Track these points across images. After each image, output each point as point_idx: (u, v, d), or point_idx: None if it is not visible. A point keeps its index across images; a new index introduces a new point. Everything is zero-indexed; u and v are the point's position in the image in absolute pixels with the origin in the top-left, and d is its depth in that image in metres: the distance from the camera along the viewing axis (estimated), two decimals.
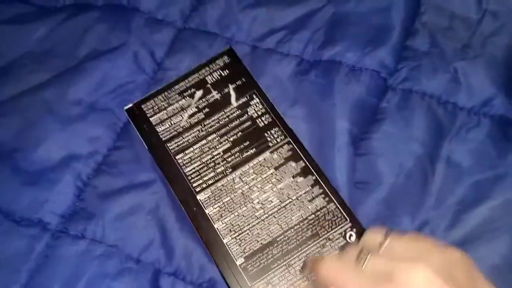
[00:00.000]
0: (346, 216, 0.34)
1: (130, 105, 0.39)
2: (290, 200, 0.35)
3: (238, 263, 0.34)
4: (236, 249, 0.34)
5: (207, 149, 0.37)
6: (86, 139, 0.39)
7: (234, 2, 0.44)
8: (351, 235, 0.34)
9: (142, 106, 0.39)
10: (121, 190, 0.37)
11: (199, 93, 0.39)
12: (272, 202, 0.35)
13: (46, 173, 0.38)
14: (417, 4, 0.44)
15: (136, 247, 0.36)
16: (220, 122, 0.38)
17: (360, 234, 0.33)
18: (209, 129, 0.38)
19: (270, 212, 0.35)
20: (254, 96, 0.39)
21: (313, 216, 0.35)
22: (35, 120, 0.40)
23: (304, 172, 0.36)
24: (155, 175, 0.38)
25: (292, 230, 0.34)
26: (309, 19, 0.43)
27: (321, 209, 0.35)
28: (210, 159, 0.37)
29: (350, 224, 0.34)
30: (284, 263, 0.33)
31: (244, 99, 0.39)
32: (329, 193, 0.35)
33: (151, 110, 0.39)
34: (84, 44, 0.43)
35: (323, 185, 0.35)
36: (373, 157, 0.38)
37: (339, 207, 0.35)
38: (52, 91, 0.41)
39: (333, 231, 0.34)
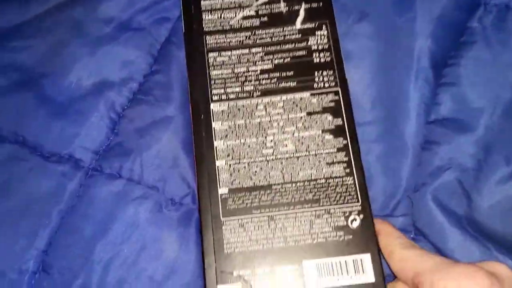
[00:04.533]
0: (359, 197, 0.29)
1: None
2: (307, 153, 0.30)
3: (220, 192, 0.29)
4: (225, 177, 0.29)
5: (245, 60, 0.32)
6: (119, 63, 0.34)
7: None
8: (354, 219, 0.28)
9: None
10: (160, 122, 0.33)
11: None
12: (286, 146, 0.30)
13: (76, 102, 0.33)
14: None
15: (179, 189, 0.31)
16: (273, 39, 0.32)
17: (365, 223, 0.28)
18: (258, 41, 0.32)
19: (279, 156, 0.30)
20: (324, 27, 0.33)
21: (323, 181, 0.29)
22: (63, 42, 0.35)
23: (337, 132, 0.30)
24: None
25: (294, 185, 0.29)
26: None
27: (336, 177, 0.29)
28: (243, 73, 0.32)
29: (359, 208, 0.28)
30: (268, 214, 0.28)
31: (311, 25, 0.33)
32: (353, 165, 0.29)
33: None
34: None
35: (351, 154, 0.29)
36: (461, 88, 0.32)
37: (357, 185, 0.29)
38: (80, 8, 0.36)
39: (338, 206, 0.28)
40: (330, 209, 0.28)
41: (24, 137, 0.32)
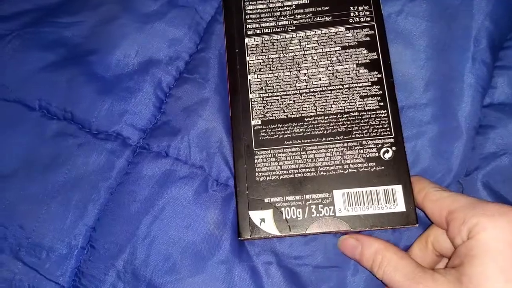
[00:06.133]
0: (393, 129, 0.28)
1: None
2: (341, 86, 0.30)
3: (253, 123, 0.30)
4: (258, 109, 0.30)
5: None
6: (166, 41, 0.33)
7: None
8: (387, 151, 0.28)
9: None
10: (205, 102, 0.32)
11: None
12: (320, 80, 0.30)
13: (123, 80, 0.32)
14: None
15: (223, 171, 0.31)
16: None
17: (398, 155, 0.28)
18: None
19: (312, 89, 0.30)
20: None
21: (356, 113, 0.29)
22: (110, 18, 0.34)
23: (372, 65, 0.30)
24: None
25: (326, 117, 0.29)
26: None
27: (369, 111, 0.29)
28: (279, 7, 0.32)
29: (392, 140, 0.28)
30: (301, 145, 0.29)
31: None
32: (387, 98, 0.29)
33: None
34: None
35: (385, 87, 0.29)
36: None
37: (390, 118, 0.29)
38: None
39: (371, 138, 0.28)
40: (362, 141, 0.28)
41: (72, 113, 0.32)
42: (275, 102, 0.30)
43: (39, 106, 0.32)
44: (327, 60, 0.30)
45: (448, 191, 0.26)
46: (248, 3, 0.32)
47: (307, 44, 0.31)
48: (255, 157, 0.29)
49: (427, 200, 0.26)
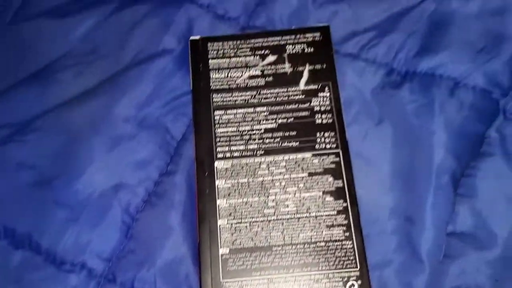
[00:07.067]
0: (358, 262, 0.29)
1: (198, 37, 0.35)
2: (308, 215, 0.30)
3: (221, 252, 0.29)
4: (226, 237, 0.30)
5: (250, 119, 0.33)
6: (136, 163, 0.33)
7: None
8: (352, 285, 0.29)
9: (208, 44, 0.35)
10: (174, 229, 0.31)
11: (271, 58, 0.35)
12: (287, 207, 0.31)
13: (90, 205, 0.32)
14: None
15: None
16: (278, 98, 0.33)
17: None
18: (263, 100, 0.33)
19: (280, 217, 0.30)
20: (326, 89, 0.34)
21: (323, 244, 0.30)
22: (78, 139, 0.33)
23: (338, 194, 0.31)
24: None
25: (294, 247, 0.30)
26: (403, 19, 0.36)
27: (335, 241, 0.30)
28: (248, 131, 0.33)
29: (357, 274, 0.29)
30: (268, 276, 0.29)
31: (314, 87, 0.34)
32: (352, 229, 0.30)
33: (214, 52, 0.35)
34: (133, 43, 0.36)
35: (351, 217, 0.30)
36: (478, 202, 0.31)
37: (356, 250, 0.29)
38: (97, 103, 0.34)
39: (337, 270, 0.29)
40: (329, 274, 0.29)
41: (38, 242, 0.31)
42: (243, 229, 0.30)
43: (5, 234, 0.31)
44: (295, 187, 0.31)
45: None
46: (218, 126, 0.33)
47: (275, 169, 0.32)
48: None
49: None
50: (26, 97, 0.35)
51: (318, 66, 0.34)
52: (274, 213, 0.30)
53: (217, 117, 0.33)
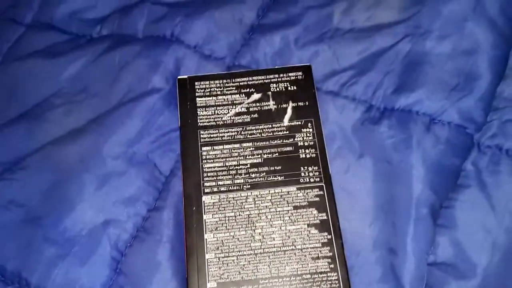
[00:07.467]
0: None
1: (185, 76, 0.37)
2: (293, 248, 0.31)
3: (209, 286, 0.30)
4: (214, 271, 0.30)
5: (236, 154, 0.34)
6: (125, 199, 0.33)
7: (291, 37, 0.39)
8: None
9: (196, 83, 0.37)
10: (162, 265, 0.32)
11: (256, 96, 0.36)
12: (274, 240, 0.31)
13: (80, 242, 0.32)
14: (509, 44, 0.38)
15: None
16: (263, 134, 0.35)
17: None
18: (248, 136, 0.35)
19: (266, 250, 0.31)
20: (309, 125, 0.35)
21: (308, 276, 0.30)
22: (68, 177, 0.34)
23: (322, 226, 0.32)
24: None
25: (280, 280, 0.30)
26: (379, 58, 0.38)
27: (320, 273, 0.30)
28: (234, 166, 0.34)
29: None
30: None
31: (297, 123, 0.35)
32: (337, 260, 0.31)
33: (202, 91, 0.36)
34: (122, 82, 0.37)
35: (335, 249, 0.31)
36: (457, 232, 0.32)
37: (341, 282, 0.30)
38: (87, 142, 0.35)
39: None
40: None
41: (27, 280, 0.31)
42: (231, 263, 0.31)
43: None
44: (280, 220, 0.32)
45: None
46: (206, 161, 0.34)
47: (261, 203, 0.32)
48: None
49: None
50: (15, 135, 0.36)
51: (301, 103, 0.36)
52: (261, 246, 0.31)
53: (204, 153, 0.34)
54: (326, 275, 0.30)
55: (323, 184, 0.33)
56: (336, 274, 0.30)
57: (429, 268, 0.32)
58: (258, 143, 0.34)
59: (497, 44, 0.37)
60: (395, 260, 0.32)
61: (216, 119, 0.35)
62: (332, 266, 0.30)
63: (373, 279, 0.31)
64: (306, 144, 0.34)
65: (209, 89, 0.36)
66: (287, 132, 0.35)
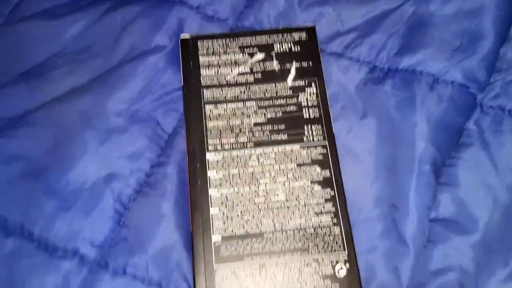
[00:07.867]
0: (345, 246, 0.30)
1: (188, 36, 0.37)
2: (297, 203, 0.31)
3: (213, 239, 0.30)
4: (218, 225, 0.31)
5: (240, 113, 0.34)
6: (128, 155, 0.33)
7: None
8: (341, 268, 0.30)
9: (198, 42, 0.36)
10: (166, 217, 0.32)
11: (259, 56, 0.36)
12: (277, 196, 0.32)
13: (82, 195, 0.32)
14: None
15: (184, 287, 0.31)
16: (266, 94, 0.35)
17: (351, 272, 0.29)
18: (252, 95, 0.35)
19: (270, 205, 0.31)
20: (313, 84, 0.35)
21: (312, 230, 0.31)
22: (70, 133, 0.34)
23: (325, 183, 0.32)
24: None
25: (284, 233, 0.30)
26: (384, 20, 0.38)
27: (323, 227, 0.31)
28: (238, 125, 0.34)
29: (345, 258, 0.30)
30: (260, 261, 0.30)
31: (301, 83, 0.35)
32: (340, 215, 0.31)
33: (205, 50, 0.36)
34: (125, 42, 0.37)
35: (338, 205, 0.31)
36: (459, 189, 0.33)
37: (343, 235, 0.30)
38: (89, 99, 0.35)
39: (326, 255, 0.30)
40: (318, 258, 0.30)
41: (30, 231, 0.31)
42: (235, 217, 0.31)
43: None
44: (284, 177, 0.32)
45: None
46: (209, 119, 0.34)
47: (265, 160, 0.33)
48: (216, 274, 0.29)
49: None
50: (17, 93, 0.36)
51: (304, 64, 0.36)
52: (265, 201, 0.31)
53: (208, 112, 0.34)
54: (329, 229, 0.31)
55: (326, 143, 0.33)
56: (339, 228, 0.31)
57: (431, 224, 0.32)
58: (262, 103, 0.34)
59: (501, 5, 0.37)
60: (397, 215, 0.32)
61: (219, 79, 0.35)
62: (335, 220, 0.31)
63: (375, 234, 0.32)
64: (309, 104, 0.35)
65: (212, 49, 0.36)
66: (291, 92, 0.35)
